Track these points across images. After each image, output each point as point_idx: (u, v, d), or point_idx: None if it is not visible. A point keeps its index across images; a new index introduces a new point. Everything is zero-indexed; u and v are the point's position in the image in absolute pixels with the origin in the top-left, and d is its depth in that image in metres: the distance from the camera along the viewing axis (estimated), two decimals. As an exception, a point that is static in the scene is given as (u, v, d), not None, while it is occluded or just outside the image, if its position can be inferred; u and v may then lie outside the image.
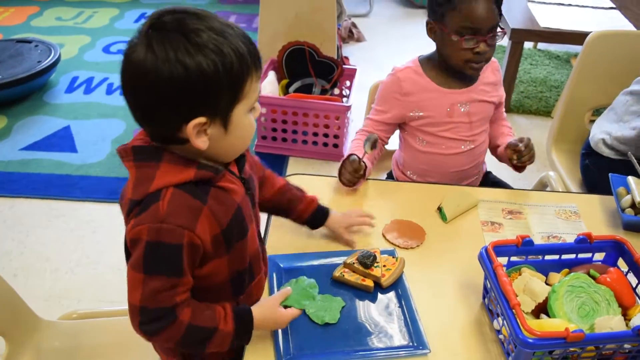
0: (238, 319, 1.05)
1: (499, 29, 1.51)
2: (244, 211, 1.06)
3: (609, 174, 1.52)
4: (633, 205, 1.45)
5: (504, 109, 1.79)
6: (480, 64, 1.55)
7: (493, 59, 1.63)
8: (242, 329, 1.06)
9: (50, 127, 3.24)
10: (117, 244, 2.39)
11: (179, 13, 0.91)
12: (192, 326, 1.01)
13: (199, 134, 0.94)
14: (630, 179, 1.49)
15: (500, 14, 1.52)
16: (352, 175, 1.49)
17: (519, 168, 1.60)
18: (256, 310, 1.08)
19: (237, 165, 1.09)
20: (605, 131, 1.91)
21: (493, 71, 1.67)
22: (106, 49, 4.14)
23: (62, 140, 3.14)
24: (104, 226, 2.56)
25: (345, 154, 1.56)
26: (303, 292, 1.17)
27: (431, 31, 1.57)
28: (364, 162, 1.50)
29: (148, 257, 0.94)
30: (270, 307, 1.10)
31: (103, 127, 3.27)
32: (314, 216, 1.34)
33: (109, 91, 3.62)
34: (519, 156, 1.56)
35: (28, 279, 2.28)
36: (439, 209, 1.46)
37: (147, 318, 0.98)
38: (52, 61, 3.49)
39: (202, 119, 0.92)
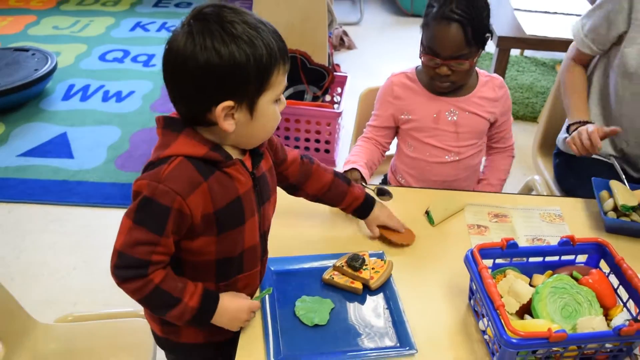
0: (203, 301, 1.10)
1: (467, 57, 1.51)
2: (245, 203, 1.11)
3: (592, 178, 1.55)
4: (615, 208, 1.48)
5: (510, 135, 1.78)
6: (444, 85, 1.58)
7: (497, 76, 1.66)
8: (204, 312, 1.10)
9: (47, 134, 3.28)
10: (112, 248, 2.43)
11: (217, 7, 0.99)
12: (159, 289, 1.06)
13: (227, 117, 1.01)
14: (613, 183, 1.53)
15: (477, 44, 1.51)
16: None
17: None
18: (224, 297, 1.13)
19: (252, 161, 1.14)
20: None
21: (494, 87, 1.66)
22: (102, 57, 4.17)
23: (59, 147, 3.17)
24: (100, 231, 2.58)
25: (344, 159, 1.60)
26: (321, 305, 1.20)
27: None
28: (360, 172, 1.55)
29: (140, 208, 1.02)
30: (239, 305, 1.14)
31: (99, 134, 3.30)
32: (357, 211, 1.41)
33: (105, 98, 3.65)
34: None
35: (25, 282, 2.30)
36: (427, 213, 1.49)
37: (121, 263, 1.04)
38: (49, 69, 3.53)
39: (230, 103, 0.99)
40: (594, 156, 1.85)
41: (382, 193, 1.48)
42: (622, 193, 1.49)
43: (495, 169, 1.79)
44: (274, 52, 1.00)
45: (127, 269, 1.04)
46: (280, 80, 1.04)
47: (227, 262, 1.14)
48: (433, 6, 1.50)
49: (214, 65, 0.96)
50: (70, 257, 2.45)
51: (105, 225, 2.61)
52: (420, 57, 1.57)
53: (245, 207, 1.11)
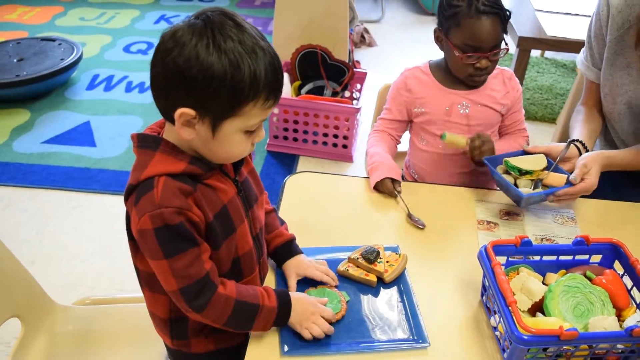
0: (279, 298, 1.11)
1: (503, 46, 1.54)
2: (232, 212, 1.11)
3: (484, 158, 1.52)
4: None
5: (523, 126, 1.77)
6: (481, 77, 1.59)
7: (508, 69, 1.67)
8: (283, 308, 1.11)
9: (70, 122, 3.33)
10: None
11: (225, 16, 0.97)
12: (239, 302, 1.07)
13: (187, 125, 0.99)
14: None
15: (505, 31, 1.53)
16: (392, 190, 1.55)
17: (477, 163, 1.60)
18: (294, 295, 1.14)
19: (233, 167, 1.13)
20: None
21: (504, 80, 1.68)
22: (126, 49, 4.22)
23: (82, 135, 3.22)
24: (120, 218, 2.59)
25: (361, 154, 1.61)
26: (331, 303, 1.19)
27: (438, 39, 1.61)
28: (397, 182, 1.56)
29: (161, 242, 1.00)
30: (309, 300, 1.15)
31: (121, 123, 3.35)
32: (280, 249, 1.29)
33: (128, 89, 3.70)
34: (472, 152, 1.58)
35: (46, 266, 2.35)
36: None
37: (189, 296, 1.04)
38: (75, 59, 3.59)
39: (191, 112, 0.96)
40: None
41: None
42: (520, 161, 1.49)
43: (512, 140, 1.75)
44: (258, 82, 0.95)
45: (198, 297, 1.04)
46: (256, 114, 0.99)
47: (225, 272, 1.15)
48: (458, 6, 1.49)
49: (189, 67, 0.93)
50: (90, 242, 2.50)
51: (124, 212, 2.63)
52: (453, 57, 1.56)
53: (233, 215, 1.11)
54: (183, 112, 0.96)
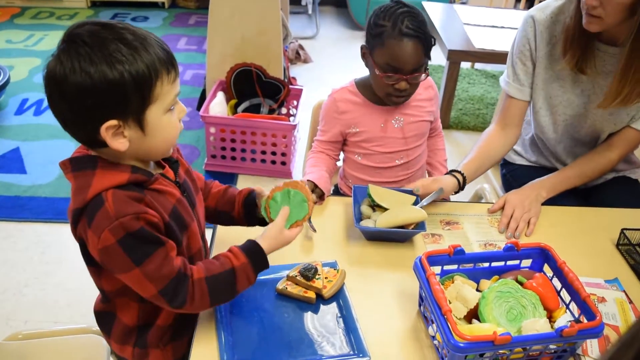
0: (248, 252, 1.13)
1: (423, 69, 1.56)
2: (182, 212, 1.12)
3: (353, 186, 1.57)
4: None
5: (440, 125, 1.87)
6: (401, 99, 1.62)
7: (428, 77, 1.71)
8: (256, 258, 1.13)
9: (-1, 149, 3.20)
10: (65, 264, 2.40)
11: (92, 25, 0.97)
12: (210, 278, 1.08)
13: (116, 136, 1.00)
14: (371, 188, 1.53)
15: (428, 57, 1.56)
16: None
17: None
18: (263, 242, 1.16)
19: (173, 170, 1.15)
20: None
21: (427, 88, 1.72)
22: (55, 71, 4.10)
23: (11, 162, 3.11)
24: (53, 247, 2.54)
25: (300, 171, 1.61)
26: (298, 206, 1.22)
27: (364, 56, 1.63)
28: (320, 189, 1.58)
29: (128, 251, 1.00)
30: (275, 234, 1.18)
31: (53, 148, 3.25)
32: (245, 204, 1.33)
33: (58, 113, 3.59)
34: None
35: (-26, 302, 2.24)
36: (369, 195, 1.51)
37: (169, 296, 1.05)
38: (1, 83, 3.47)
39: (113, 122, 0.98)
40: (536, 165, 1.93)
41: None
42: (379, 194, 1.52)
43: (436, 149, 1.88)
44: (154, 65, 0.98)
45: (175, 292, 1.05)
46: (167, 90, 1.02)
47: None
48: (383, 25, 1.52)
49: (87, 88, 0.94)
50: (22, 273, 2.40)
51: (58, 240, 2.56)
52: (374, 75, 1.59)
53: (184, 214, 1.13)
54: (107, 126, 0.97)
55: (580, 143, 1.80)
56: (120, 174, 1.02)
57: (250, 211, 1.33)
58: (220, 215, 1.35)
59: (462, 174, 1.66)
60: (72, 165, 1.05)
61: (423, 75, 1.57)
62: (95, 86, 0.94)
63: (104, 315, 1.24)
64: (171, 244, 1.06)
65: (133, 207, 1.00)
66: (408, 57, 1.51)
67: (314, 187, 1.58)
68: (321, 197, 1.59)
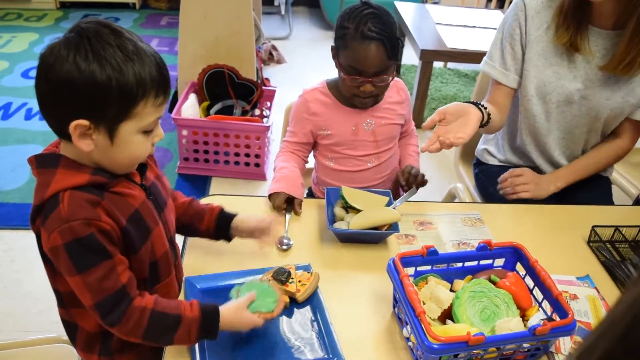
0: (205, 311, 1.09)
1: (389, 72, 1.55)
2: (145, 215, 1.10)
3: (326, 188, 1.57)
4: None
5: (413, 126, 1.86)
6: (367, 101, 1.62)
7: (397, 79, 1.70)
8: (208, 321, 1.09)
9: (-36, 155, 3.13)
10: (35, 272, 2.35)
11: (102, 26, 0.98)
12: (156, 312, 1.05)
13: (83, 137, 0.99)
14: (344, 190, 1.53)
15: (394, 58, 1.54)
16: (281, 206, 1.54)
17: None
18: (224, 310, 1.11)
19: (139, 173, 1.13)
20: (485, 142, 2.05)
21: (398, 91, 1.72)
22: (25, 74, 4.02)
23: (-23, 168, 3.03)
24: (22, 254, 2.48)
25: (272, 173, 1.59)
26: (267, 300, 1.17)
27: (333, 57, 1.62)
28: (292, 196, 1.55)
29: (73, 257, 0.99)
30: (235, 310, 1.12)
31: (21, 153, 3.18)
32: (219, 222, 1.33)
33: (28, 116, 3.52)
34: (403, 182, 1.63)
35: (-60, 313, 2.18)
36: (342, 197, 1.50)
37: (105, 310, 1.02)
38: (-34, 87, 3.39)
39: (85, 122, 0.97)
40: (508, 165, 1.94)
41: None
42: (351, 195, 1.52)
43: (407, 144, 1.85)
44: (143, 82, 0.97)
45: (113, 308, 1.03)
46: (149, 112, 1.01)
47: (144, 275, 1.14)
48: (347, 27, 1.51)
49: (72, 80, 0.94)
50: (-10, 283, 2.34)
51: (28, 247, 2.51)
52: (341, 77, 1.58)
53: (147, 218, 1.11)
54: (77, 124, 0.96)
55: (572, 134, 1.80)
56: (81, 175, 1.02)
57: (223, 226, 1.33)
58: (184, 227, 1.34)
59: (486, 108, 1.62)
60: (37, 162, 1.05)
61: (388, 78, 1.56)
62: (81, 81, 0.94)
63: (68, 324, 1.22)
64: (120, 258, 1.04)
65: (87, 211, 0.99)
66: (371, 60, 1.50)
67: (293, 200, 1.56)
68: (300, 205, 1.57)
